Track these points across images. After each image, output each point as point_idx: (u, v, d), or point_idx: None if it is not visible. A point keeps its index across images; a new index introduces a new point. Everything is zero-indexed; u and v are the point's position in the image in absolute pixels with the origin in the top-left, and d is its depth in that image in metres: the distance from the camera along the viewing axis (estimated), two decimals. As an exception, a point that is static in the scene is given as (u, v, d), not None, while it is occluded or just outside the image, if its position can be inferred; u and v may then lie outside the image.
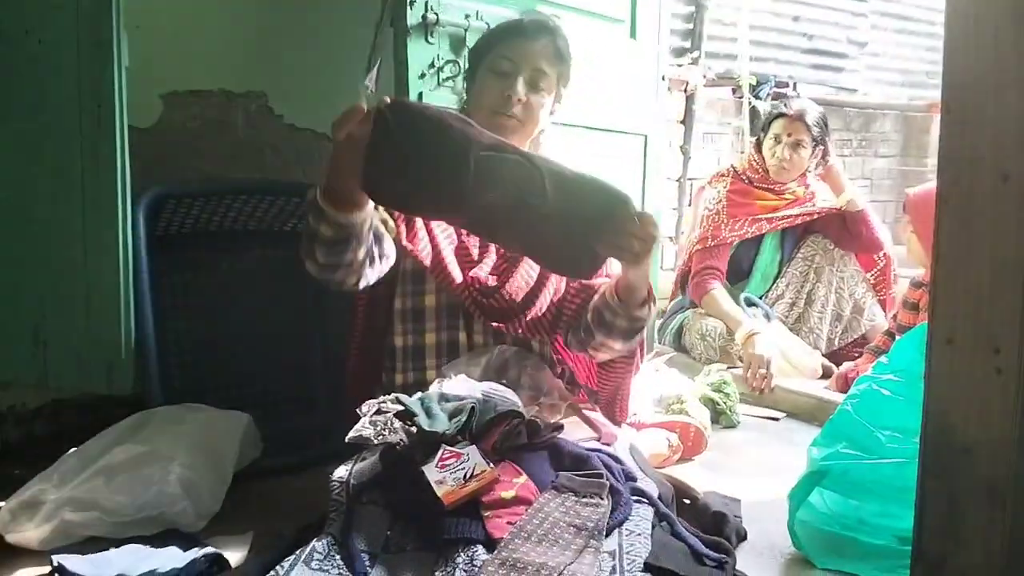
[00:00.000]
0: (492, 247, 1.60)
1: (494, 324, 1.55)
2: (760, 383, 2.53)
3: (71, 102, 1.71)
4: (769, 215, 2.91)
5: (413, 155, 1.16)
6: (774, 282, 2.96)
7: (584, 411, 1.55)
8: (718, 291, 2.83)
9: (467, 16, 2.12)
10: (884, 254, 2.98)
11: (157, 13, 2.13)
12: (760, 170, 2.96)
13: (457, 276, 1.55)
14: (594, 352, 1.54)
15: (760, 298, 2.91)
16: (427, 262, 1.54)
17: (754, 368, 2.55)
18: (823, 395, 2.49)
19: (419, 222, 1.56)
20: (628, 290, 1.40)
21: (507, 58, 1.55)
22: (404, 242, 1.54)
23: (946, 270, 1.07)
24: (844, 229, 2.94)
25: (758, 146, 2.99)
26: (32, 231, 1.79)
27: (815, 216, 2.94)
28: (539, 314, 1.56)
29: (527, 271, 1.59)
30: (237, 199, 2.18)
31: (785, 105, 2.97)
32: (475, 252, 1.61)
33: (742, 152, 3.65)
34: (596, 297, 1.49)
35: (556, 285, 1.59)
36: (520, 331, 1.55)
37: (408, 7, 2.04)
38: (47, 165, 1.76)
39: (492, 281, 1.57)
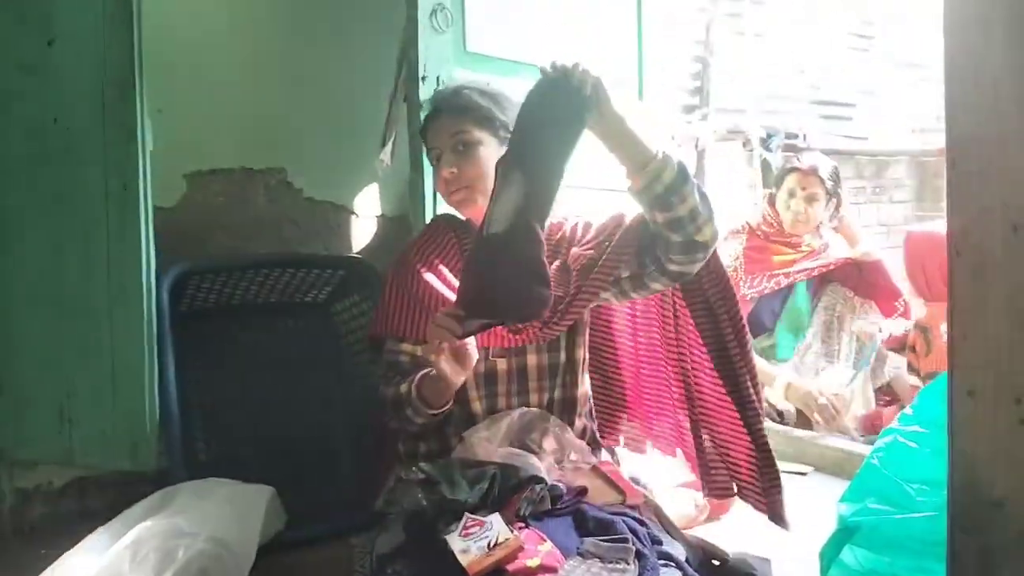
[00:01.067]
0: None
1: (516, 335, 1.48)
2: (831, 414, 2.58)
3: (97, 186, 1.77)
4: (786, 269, 2.92)
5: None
6: (803, 334, 2.96)
7: (608, 473, 1.54)
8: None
9: (477, 88, 2.16)
10: (903, 300, 2.96)
11: (179, 97, 2.20)
12: (775, 224, 2.97)
13: None
14: (665, 246, 1.40)
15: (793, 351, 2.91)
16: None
17: (814, 406, 2.61)
18: (850, 447, 2.46)
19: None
20: (614, 147, 1.44)
21: (430, 146, 1.58)
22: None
23: (962, 321, 1.06)
24: (861, 278, 2.94)
25: (771, 200, 3.01)
26: (58, 311, 1.82)
27: (831, 267, 2.95)
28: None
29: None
30: (259, 273, 2.22)
31: (798, 159, 3.00)
32: None
33: (755, 204, 3.67)
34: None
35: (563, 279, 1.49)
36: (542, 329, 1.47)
37: (420, 82, 2.10)
38: (74, 247, 1.80)
39: None
